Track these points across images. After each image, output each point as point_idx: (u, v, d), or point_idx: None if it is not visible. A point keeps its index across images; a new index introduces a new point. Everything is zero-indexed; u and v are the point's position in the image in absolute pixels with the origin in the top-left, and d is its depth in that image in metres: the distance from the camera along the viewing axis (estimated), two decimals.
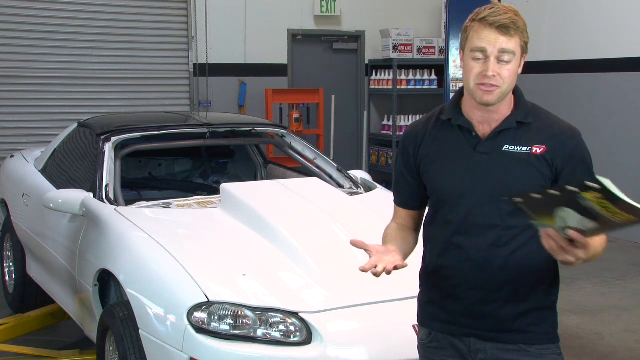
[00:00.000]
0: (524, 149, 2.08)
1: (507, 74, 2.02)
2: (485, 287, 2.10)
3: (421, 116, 9.73)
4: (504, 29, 1.99)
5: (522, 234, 2.07)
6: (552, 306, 2.18)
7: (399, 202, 2.33)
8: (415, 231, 2.32)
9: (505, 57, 2.01)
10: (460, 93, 2.17)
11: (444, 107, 2.22)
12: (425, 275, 2.25)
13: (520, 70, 2.08)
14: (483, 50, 2.01)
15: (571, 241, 1.79)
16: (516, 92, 2.15)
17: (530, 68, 9.22)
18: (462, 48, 2.09)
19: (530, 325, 2.12)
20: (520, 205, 1.83)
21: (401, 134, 8.86)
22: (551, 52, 8.47)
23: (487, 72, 2.00)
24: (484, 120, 2.11)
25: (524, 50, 2.06)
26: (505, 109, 2.11)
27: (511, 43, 2.01)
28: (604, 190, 1.68)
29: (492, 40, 2.00)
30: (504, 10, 2.02)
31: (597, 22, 7.86)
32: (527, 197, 1.80)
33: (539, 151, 2.07)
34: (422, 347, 2.28)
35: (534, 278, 2.10)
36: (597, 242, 1.94)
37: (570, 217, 1.77)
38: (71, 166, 4.75)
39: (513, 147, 2.08)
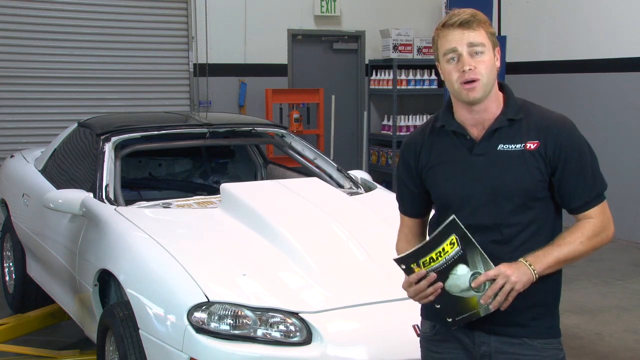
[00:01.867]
0: (518, 146, 2.11)
1: (482, 65, 2.08)
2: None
3: (421, 116, 9.66)
4: (465, 24, 2.08)
5: (524, 230, 2.11)
6: (554, 302, 2.21)
7: (404, 210, 2.38)
8: (423, 236, 2.37)
9: (476, 50, 2.08)
10: (451, 100, 2.22)
11: (437, 115, 2.27)
12: None
13: (498, 64, 2.13)
14: (454, 50, 2.09)
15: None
16: (505, 90, 2.20)
17: (530, 68, 9.28)
18: (437, 60, 2.17)
19: (533, 320, 2.15)
20: (456, 322, 2.09)
21: (401, 134, 8.92)
22: (551, 52, 8.47)
23: (463, 67, 2.07)
24: (476, 122, 2.15)
25: (494, 42, 2.13)
26: (494, 107, 2.15)
27: (477, 36, 2.08)
28: (407, 259, 2.03)
29: (458, 38, 2.08)
30: (461, 11, 2.11)
31: (597, 22, 7.85)
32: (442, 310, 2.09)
33: (532, 147, 2.10)
34: (426, 340, 2.31)
35: None
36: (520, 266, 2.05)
37: (457, 283, 2.03)
38: (71, 166, 4.75)
39: (507, 146, 2.12)
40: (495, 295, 2.03)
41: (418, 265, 2.02)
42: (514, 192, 2.10)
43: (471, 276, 2.02)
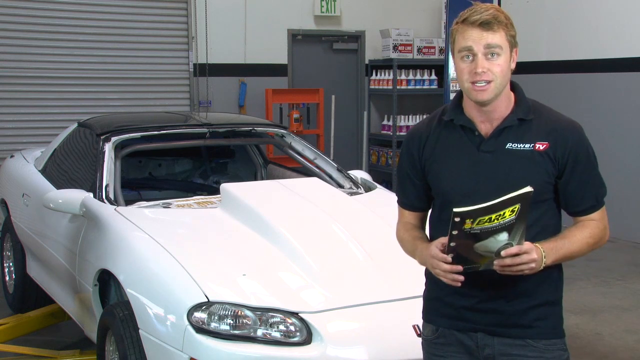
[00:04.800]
0: (527, 146, 2.10)
1: (497, 69, 2.05)
2: (492, 284, 2.12)
3: (421, 116, 9.69)
4: (486, 25, 2.04)
5: (529, 230, 2.08)
6: (557, 302, 2.20)
7: (404, 203, 2.34)
8: (422, 229, 2.35)
9: (493, 52, 2.04)
10: (461, 94, 2.19)
11: (445, 107, 2.24)
12: (431, 273, 2.25)
13: (513, 65, 2.11)
14: (470, 49, 2.05)
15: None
16: (516, 90, 2.18)
17: (530, 68, 9.27)
18: (452, 52, 2.13)
19: (537, 320, 2.15)
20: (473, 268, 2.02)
21: (401, 134, 8.93)
22: (551, 52, 8.47)
23: (476, 69, 2.04)
24: (486, 119, 2.14)
25: (513, 44, 2.10)
26: (503, 106, 2.13)
27: (496, 38, 2.05)
28: (468, 214, 1.90)
29: (476, 38, 2.04)
30: (484, 8, 2.07)
31: (597, 21, 7.85)
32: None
33: (542, 148, 2.10)
34: (427, 343, 2.28)
35: (540, 274, 2.11)
36: (552, 246, 2.06)
37: (489, 245, 1.96)
38: (71, 166, 4.75)
39: (516, 145, 2.11)
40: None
41: (472, 222, 1.93)
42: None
43: (504, 244, 1.97)
